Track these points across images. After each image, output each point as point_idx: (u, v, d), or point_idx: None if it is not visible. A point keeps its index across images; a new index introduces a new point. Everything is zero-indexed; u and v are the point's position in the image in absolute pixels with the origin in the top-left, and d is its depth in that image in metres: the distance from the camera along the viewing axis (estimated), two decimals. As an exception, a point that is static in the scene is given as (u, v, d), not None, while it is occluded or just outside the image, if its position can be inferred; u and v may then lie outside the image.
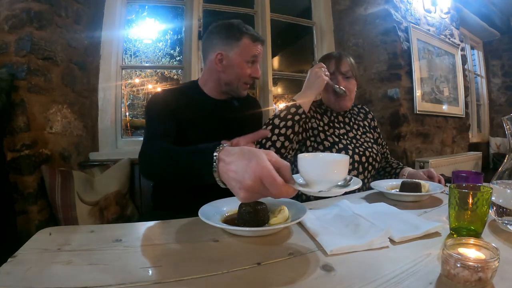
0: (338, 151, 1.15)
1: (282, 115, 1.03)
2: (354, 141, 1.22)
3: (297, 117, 1.03)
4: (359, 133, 1.28)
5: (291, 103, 1.05)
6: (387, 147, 1.40)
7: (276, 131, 1.02)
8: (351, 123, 1.30)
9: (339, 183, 0.56)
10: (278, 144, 1.01)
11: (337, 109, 1.26)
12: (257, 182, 0.51)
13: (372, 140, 1.29)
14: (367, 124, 1.35)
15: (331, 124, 1.24)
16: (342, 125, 1.27)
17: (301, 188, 0.54)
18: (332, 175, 0.54)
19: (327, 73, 1.09)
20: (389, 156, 1.39)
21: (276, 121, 1.03)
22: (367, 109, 1.40)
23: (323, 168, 0.55)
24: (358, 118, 1.34)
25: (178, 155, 0.72)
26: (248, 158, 0.53)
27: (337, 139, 1.19)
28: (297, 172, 0.59)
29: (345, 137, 1.22)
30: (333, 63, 1.20)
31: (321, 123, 1.22)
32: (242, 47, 1.05)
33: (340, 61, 1.20)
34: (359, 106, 1.40)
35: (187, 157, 0.68)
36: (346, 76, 1.21)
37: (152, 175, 0.86)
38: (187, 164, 0.67)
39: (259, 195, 0.53)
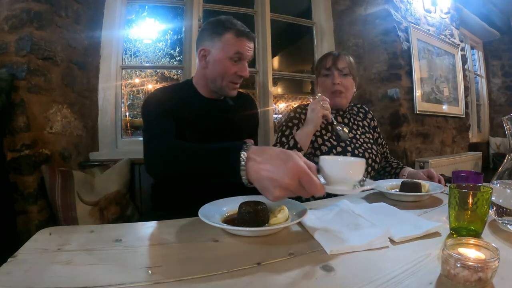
0: (336, 155, 1.14)
1: None
2: (354, 141, 1.22)
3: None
4: (359, 133, 1.28)
5: (293, 142, 1.06)
6: (387, 146, 1.40)
7: None
8: (350, 124, 1.29)
9: (356, 183, 0.63)
10: None
11: (333, 107, 1.24)
12: (295, 180, 0.53)
13: (371, 141, 1.28)
14: (366, 124, 1.34)
15: (329, 127, 1.23)
16: None
17: (333, 187, 0.60)
18: (353, 175, 0.62)
19: (326, 105, 1.09)
20: (389, 155, 1.39)
21: None
22: (367, 109, 1.40)
23: (347, 169, 0.62)
24: (358, 118, 1.34)
25: (196, 153, 0.70)
26: (283, 158, 0.55)
27: (335, 143, 1.18)
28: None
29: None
30: (330, 59, 1.21)
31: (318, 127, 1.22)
32: (224, 42, 1.01)
33: (338, 58, 1.21)
34: (359, 106, 1.39)
35: (207, 156, 0.66)
36: (343, 73, 1.21)
37: (161, 174, 0.83)
38: (208, 162, 0.65)
39: (291, 193, 0.55)
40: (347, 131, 1.14)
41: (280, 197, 0.55)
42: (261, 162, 0.56)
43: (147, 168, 0.86)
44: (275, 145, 1.14)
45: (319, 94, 1.16)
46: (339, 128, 1.13)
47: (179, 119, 1.01)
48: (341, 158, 0.75)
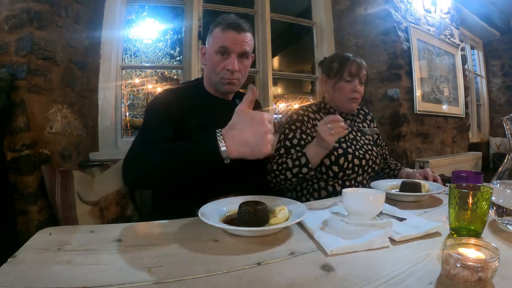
0: (338, 157, 1.13)
1: (294, 171, 1.03)
2: (354, 142, 1.21)
3: (308, 176, 1.04)
4: (359, 135, 1.28)
5: (304, 160, 1.01)
6: (386, 147, 1.40)
7: (288, 182, 1.06)
8: (351, 125, 1.29)
9: (375, 216, 0.68)
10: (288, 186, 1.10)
11: (346, 110, 1.25)
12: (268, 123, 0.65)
13: (371, 142, 1.28)
14: (366, 126, 1.34)
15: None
16: None
17: (354, 220, 0.65)
18: (374, 208, 0.67)
19: (338, 130, 0.95)
20: (388, 157, 1.39)
21: (289, 174, 1.04)
22: (366, 110, 1.40)
23: (368, 202, 0.67)
24: (357, 120, 1.33)
25: (175, 146, 0.77)
26: (252, 115, 0.66)
27: (336, 144, 1.16)
28: None
29: (346, 138, 1.21)
30: (356, 66, 1.19)
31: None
32: (213, 37, 1.01)
33: (362, 66, 1.20)
34: (358, 107, 1.38)
35: (187, 145, 0.74)
36: (361, 81, 1.20)
37: (142, 177, 0.79)
38: (190, 147, 0.73)
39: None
40: (374, 128, 1.14)
41: (271, 141, 0.65)
42: (235, 127, 0.67)
43: (126, 171, 0.81)
44: (278, 148, 1.13)
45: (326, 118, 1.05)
46: (367, 130, 1.13)
47: (187, 119, 0.99)
48: (361, 190, 0.77)
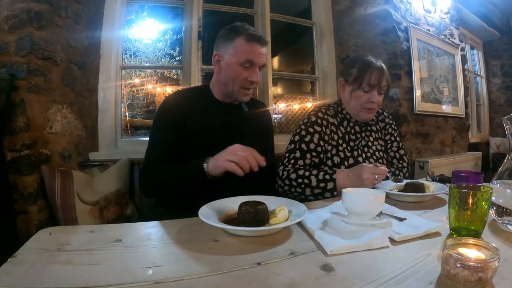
0: (348, 167, 1.10)
1: (316, 191, 0.99)
2: (366, 149, 1.18)
3: (326, 199, 0.98)
4: (371, 139, 1.22)
5: (332, 185, 0.97)
6: (402, 153, 1.27)
7: (302, 197, 1.01)
8: (365, 130, 1.23)
9: (375, 216, 0.67)
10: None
11: (361, 120, 1.18)
12: (242, 150, 0.87)
13: (382, 148, 1.24)
14: (379, 128, 1.27)
15: (346, 137, 1.17)
16: (357, 135, 1.20)
17: (353, 220, 0.65)
18: (374, 208, 0.67)
19: (380, 178, 0.93)
20: (403, 163, 1.26)
21: (308, 191, 1.00)
22: (383, 112, 1.30)
23: (367, 202, 0.67)
24: (371, 121, 1.26)
25: (176, 173, 0.97)
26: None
27: (349, 154, 1.13)
28: None
29: (359, 145, 1.18)
30: (376, 76, 1.09)
31: (335, 137, 1.14)
32: (236, 48, 1.01)
33: (383, 75, 1.10)
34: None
35: (185, 172, 0.95)
36: (381, 92, 1.12)
37: (155, 194, 1.07)
38: (187, 175, 0.94)
39: (240, 156, 0.85)
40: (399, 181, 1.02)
41: (234, 151, 0.86)
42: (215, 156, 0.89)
43: (142, 187, 1.07)
44: (293, 150, 1.08)
45: (378, 165, 0.96)
46: (401, 178, 1.02)
47: (191, 124, 1.02)
48: (361, 190, 0.76)
